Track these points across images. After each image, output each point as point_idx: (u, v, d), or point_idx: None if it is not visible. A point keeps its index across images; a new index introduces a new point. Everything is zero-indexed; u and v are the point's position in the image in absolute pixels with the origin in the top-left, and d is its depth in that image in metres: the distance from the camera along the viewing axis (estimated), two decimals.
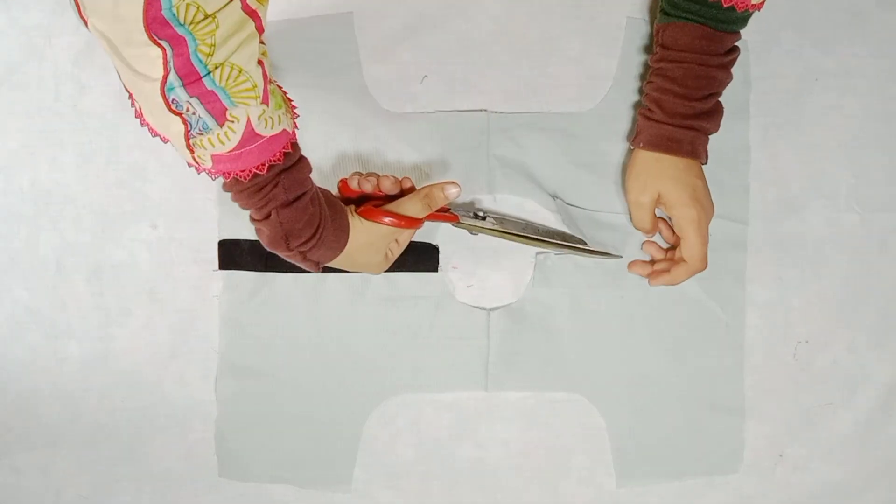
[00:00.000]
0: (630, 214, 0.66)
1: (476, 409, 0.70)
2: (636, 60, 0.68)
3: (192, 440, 0.70)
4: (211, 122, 0.47)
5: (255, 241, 0.68)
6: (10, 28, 0.68)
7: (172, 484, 0.70)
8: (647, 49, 0.68)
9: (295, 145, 0.54)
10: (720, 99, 0.63)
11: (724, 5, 0.58)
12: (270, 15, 0.67)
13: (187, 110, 0.46)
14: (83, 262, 0.69)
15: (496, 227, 0.65)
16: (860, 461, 0.71)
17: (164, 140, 0.51)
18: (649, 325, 0.69)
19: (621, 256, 0.68)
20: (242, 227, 0.68)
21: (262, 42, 0.48)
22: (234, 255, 0.68)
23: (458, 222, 0.64)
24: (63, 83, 0.68)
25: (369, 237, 0.60)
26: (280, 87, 0.54)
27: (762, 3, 0.59)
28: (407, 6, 0.68)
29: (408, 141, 0.68)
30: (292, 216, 0.54)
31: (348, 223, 0.59)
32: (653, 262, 0.68)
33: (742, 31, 0.61)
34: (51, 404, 0.70)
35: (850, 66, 0.70)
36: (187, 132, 0.47)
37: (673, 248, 0.67)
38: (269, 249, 0.57)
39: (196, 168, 0.51)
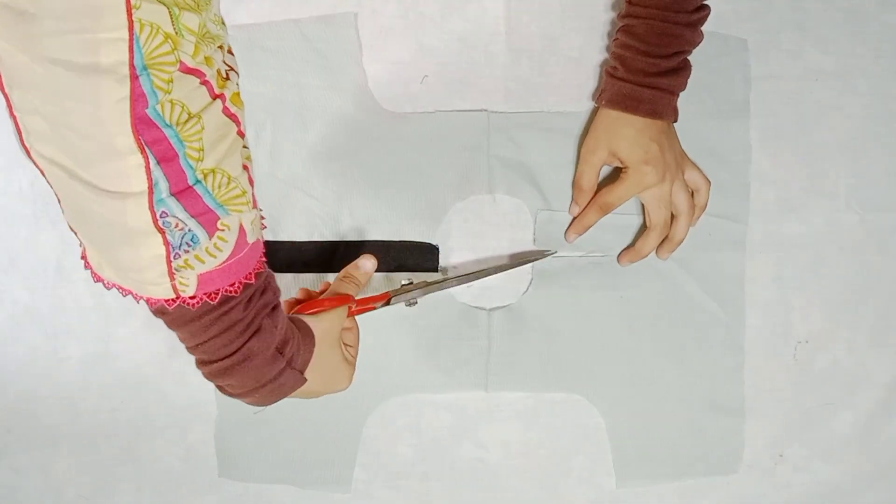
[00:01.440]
0: (576, 169, 0.68)
1: (476, 409, 0.70)
2: None
3: (192, 440, 0.70)
4: (201, 235, 0.41)
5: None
6: None
7: (172, 484, 0.70)
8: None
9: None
10: (689, 59, 0.63)
11: None
12: (271, 15, 0.68)
13: (175, 226, 0.40)
14: (83, 261, 0.69)
15: (426, 284, 0.64)
16: (860, 461, 0.71)
17: (114, 287, 0.44)
18: (649, 326, 0.69)
19: (555, 252, 0.68)
20: None
21: (245, 146, 0.44)
22: None
23: (390, 298, 0.62)
24: None
25: (320, 334, 0.53)
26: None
27: None
28: (407, 6, 0.68)
29: (408, 141, 0.68)
30: (281, 317, 0.48)
31: (300, 318, 0.53)
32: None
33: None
34: (51, 404, 0.70)
35: (850, 66, 0.70)
36: (169, 254, 0.40)
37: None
38: (248, 386, 0.48)
39: (167, 303, 0.43)
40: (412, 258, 0.68)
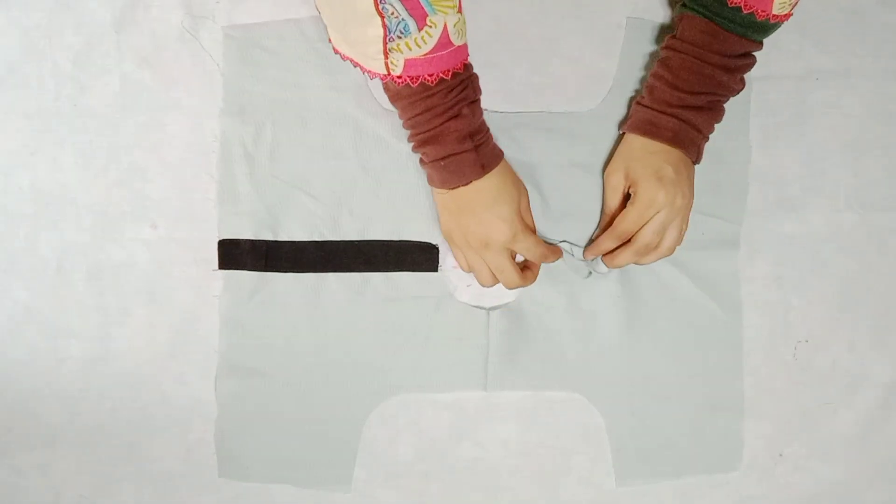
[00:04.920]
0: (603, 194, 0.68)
1: (476, 408, 0.70)
2: (636, 60, 0.68)
3: (192, 440, 0.70)
4: (412, 26, 0.51)
5: (255, 241, 0.68)
6: (10, 28, 0.68)
7: (172, 484, 0.70)
8: (659, 41, 0.68)
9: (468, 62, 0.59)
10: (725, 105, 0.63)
11: (730, 4, 0.58)
12: (271, 15, 0.68)
13: (391, 14, 0.50)
14: (83, 262, 0.69)
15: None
16: (860, 461, 0.71)
17: (347, 59, 0.57)
18: (647, 324, 0.69)
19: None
20: (242, 226, 0.68)
21: None
22: (233, 255, 0.68)
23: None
24: (63, 83, 0.68)
25: (510, 168, 0.63)
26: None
27: (771, 14, 0.58)
28: None
29: (408, 142, 0.68)
30: (479, 111, 0.60)
31: (497, 145, 0.63)
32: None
33: None
34: (51, 404, 0.70)
35: (850, 66, 0.70)
36: (385, 36, 0.52)
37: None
38: (440, 154, 0.59)
39: (381, 77, 0.56)
40: (412, 258, 0.68)
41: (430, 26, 0.52)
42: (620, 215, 0.63)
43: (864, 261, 0.70)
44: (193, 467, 0.70)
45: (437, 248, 0.69)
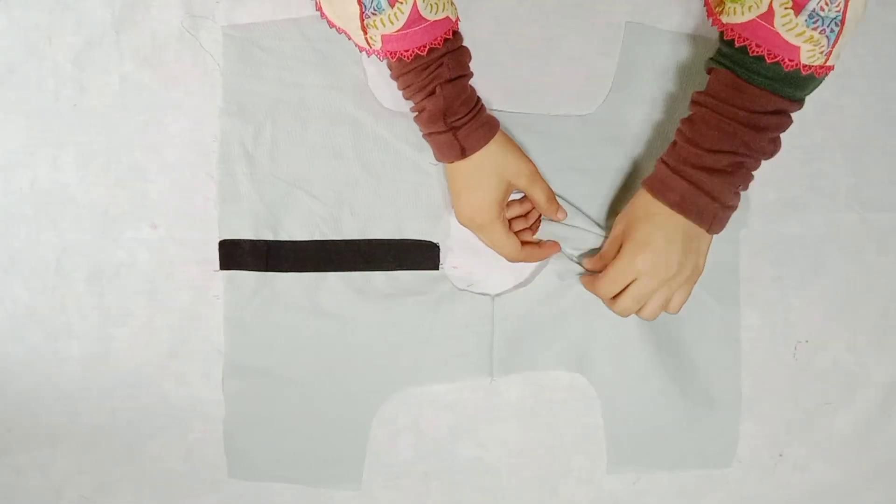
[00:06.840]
0: None
1: (476, 408, 0.70)
2: (635, 65, 0.68)
3: (192, 440, 0.70)
4: (384, 3, 0.53)
5: (256, 241, 0.68)
6: (10, 28, 0.68)
7: (173, 484, 0.70)
8: (658, 46, 0.68)
9: (457, 34, 0.59)
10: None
11: (751, 53, 0.53)
12: (271, 14, 0.68)
13: None
14: (83, 262, 0.69)
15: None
16: (860, 461, 0.71)
17: (334, 27, 0.58)
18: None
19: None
20: (243, 226, 0.68)
21: None
22: (234, 255, 0.68)
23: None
24: (63, 83, 0.68)
25: (503, 151, 0.61)
26: None
27: (801, 65, 0.52)
28: None
29: (408, 140, 0.68)
30: (453, 92, 0.59)
31: (497, 123, 0.62)
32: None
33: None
34: (51, 404, 0.70)
35: (850, 66, 0.70)
36: (362, 13, 0.54)
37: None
38: (424, 131, 0.61)
39: (367, 51, 0.57)
40: (412, 256, 0.68)
41: (401, 2, 0.53)
42: (605, 273, 0.61)
43: (864, 261, 0.70)
44: (193, 467, 0.70)
45: (438, 247, 0.69)
